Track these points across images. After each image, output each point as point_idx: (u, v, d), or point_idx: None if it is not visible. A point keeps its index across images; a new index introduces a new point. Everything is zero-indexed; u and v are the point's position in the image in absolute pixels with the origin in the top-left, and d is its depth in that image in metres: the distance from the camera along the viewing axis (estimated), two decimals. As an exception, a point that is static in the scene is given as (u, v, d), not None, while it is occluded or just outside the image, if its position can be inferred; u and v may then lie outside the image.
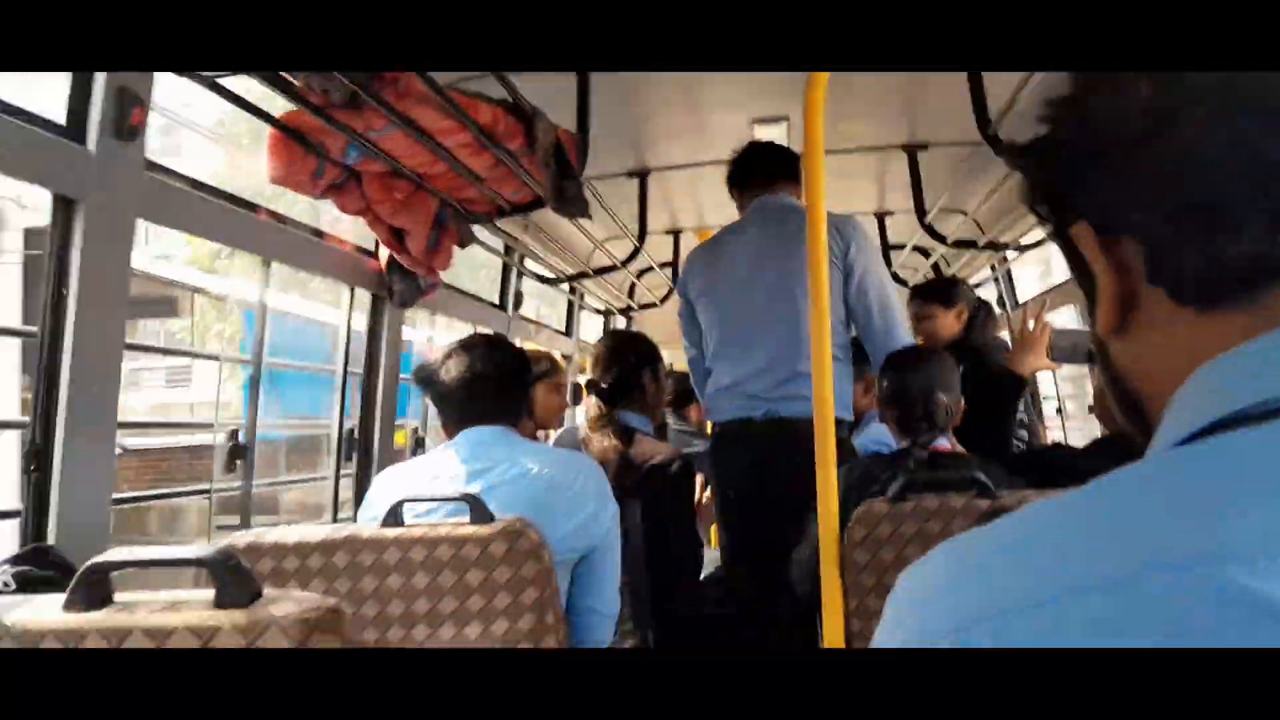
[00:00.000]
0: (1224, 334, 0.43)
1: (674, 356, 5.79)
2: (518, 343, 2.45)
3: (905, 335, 2.56)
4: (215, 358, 2.14)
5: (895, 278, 4.28)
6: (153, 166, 1.66)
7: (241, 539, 1.65)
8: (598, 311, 5.29)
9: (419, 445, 2.93)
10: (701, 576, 2.60)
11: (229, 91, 1.66)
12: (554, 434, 3.41)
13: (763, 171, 2.69)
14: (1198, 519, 0.36)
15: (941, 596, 0.42)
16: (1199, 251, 0.42)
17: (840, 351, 2.50)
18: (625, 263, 3.76)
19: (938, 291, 3.13)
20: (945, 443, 2.03)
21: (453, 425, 1.84)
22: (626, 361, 2.49)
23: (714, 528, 3.69)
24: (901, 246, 4.07)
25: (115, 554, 0.96)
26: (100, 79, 1.49)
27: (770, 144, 2.77)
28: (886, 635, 0.45)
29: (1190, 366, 0.44)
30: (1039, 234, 3.53)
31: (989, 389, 2.55)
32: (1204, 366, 0.43)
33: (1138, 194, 0.44)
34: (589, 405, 2.49)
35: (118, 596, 0.94)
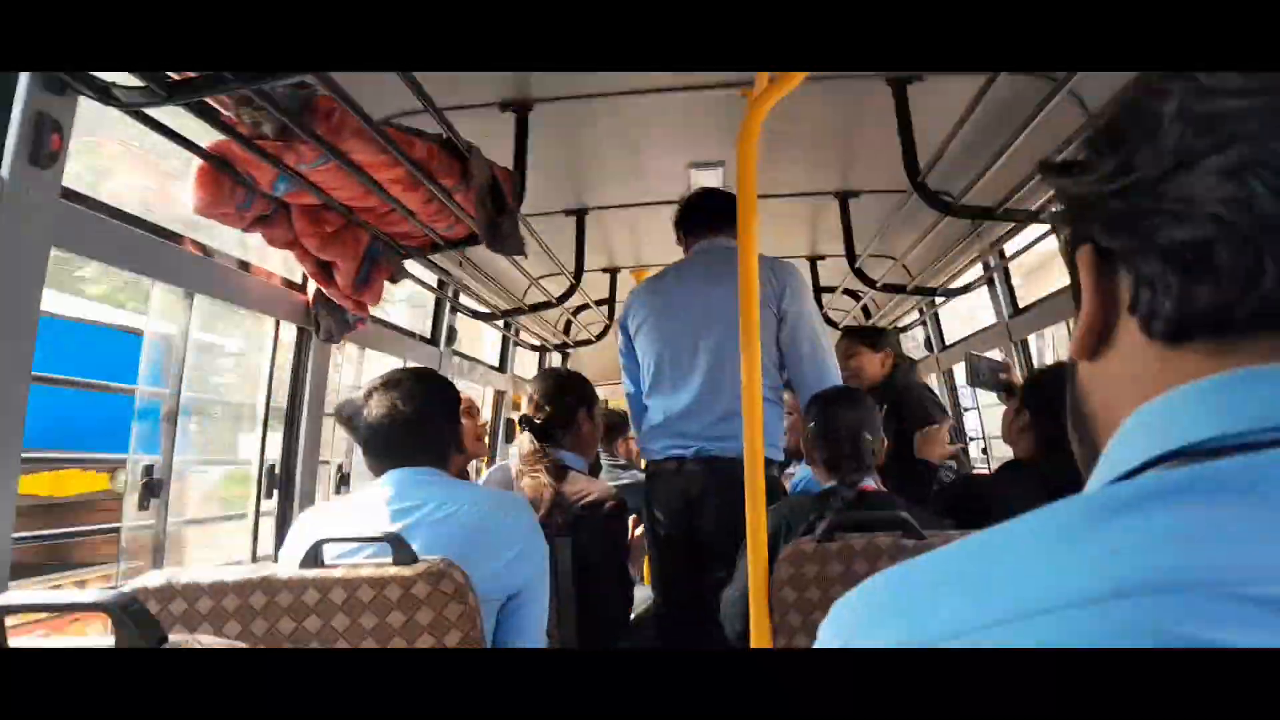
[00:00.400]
0: (1183, 373, 0.45)
1: (609, 393, 5.80)
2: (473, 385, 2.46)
3: (835, 378, 2.61)
4: (133, 390, 2.06)
5: (826, 319, 4.37)
6: (70, 195, 1.61)
7: (153, 579, 1.58)
8: (533, 348, 5.28)
9: (344, 482, 2.87)
10: (633, 616, 2.58)
11: (156, 121, 1.63)
12: (486, 471, 3.38)
13: (707, 216, 2.72)
14: (1128, 556, 0.37)
15: (888, 623, 0.43)
16: (1176, 290, 0.45)
17: (771, 393, 2.52)
18: (561, 299, 3.76)
19: (865, 334, 3.32)
20: (871, 482, 2.06)
21: (377, 466, 1.80)
22: (563, 400, 2.48)
23: (646, 564, 3.68)
24: (832, 289, 4.15)
25: (12, 596, 0.92)
26: (18, 104, 1.45)
27: (716, 190, 2.81)
28: None
29: (1136, 397, 0.47)
30: (965, 280, 3.63)
31: (908, 427, 2.81)
32: (1145, 406, 0.46)
33: (1140, 229, 0.47)
34: (523, 442, 2.46)
35: (13, 642, 0.90)
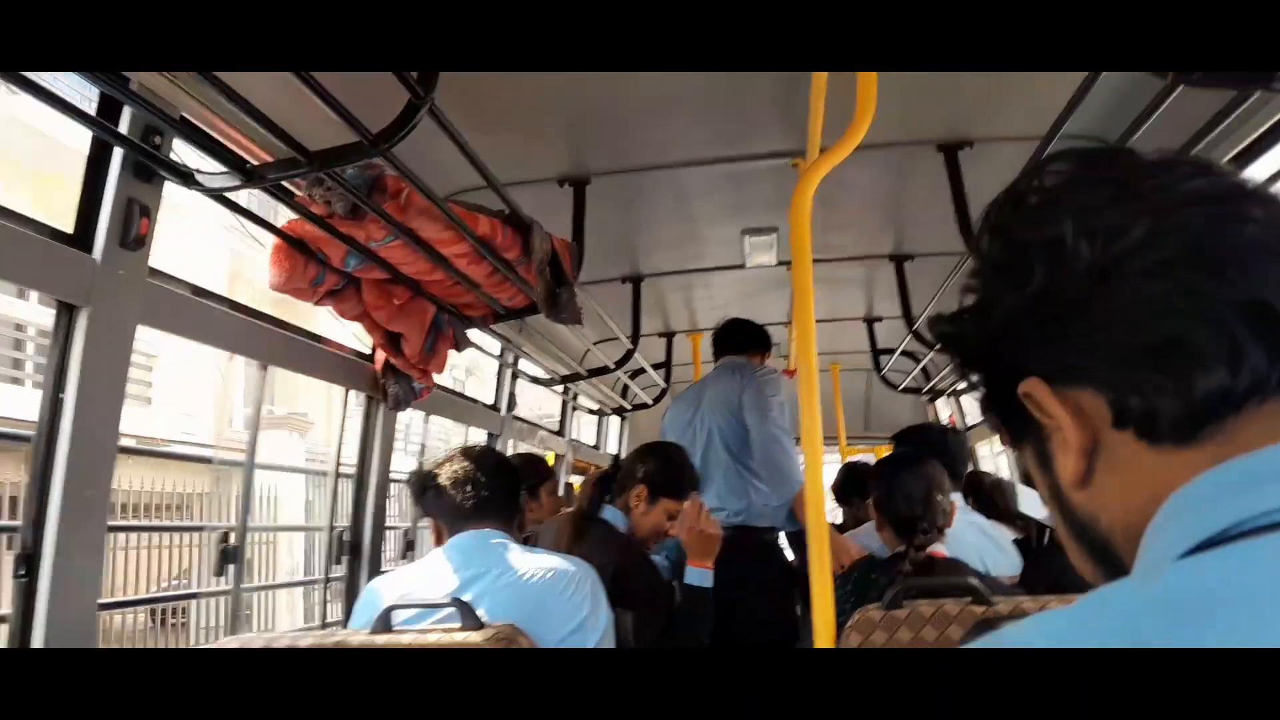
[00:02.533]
0: (1193, 465, 0.44)
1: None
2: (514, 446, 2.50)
3: (791, 481, 2.88)
4: (209, 460, 2.14)
5: (885, 381, 4.33)
6: (155, 274, 1.69)
7: (228, 644, 1.62)
8: (591, 412, 5.31)
9: (409, 548, 2.91)
10: None
11: (234, 203, 1.72)
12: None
13: (731, 341, 3.22)
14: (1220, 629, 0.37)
15: None
16: (1169, 392, 0.44)
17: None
18: (618, 364, 3.79)
19: None
20: (940, 547, 2.03)
21: (447, 528, 1.84)
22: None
23: None
24: (890, 351, 4.12)
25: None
26: (109, 190, 1.54)
27: (743, 321, 3.28)
28: None
29: (1159, 500, 0.45)
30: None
31: None
32: (1185, 489, 0.44)
33: (1092, 347, 0.46)
34: None
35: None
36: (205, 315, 1.85)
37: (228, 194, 1.64)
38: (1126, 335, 0.45)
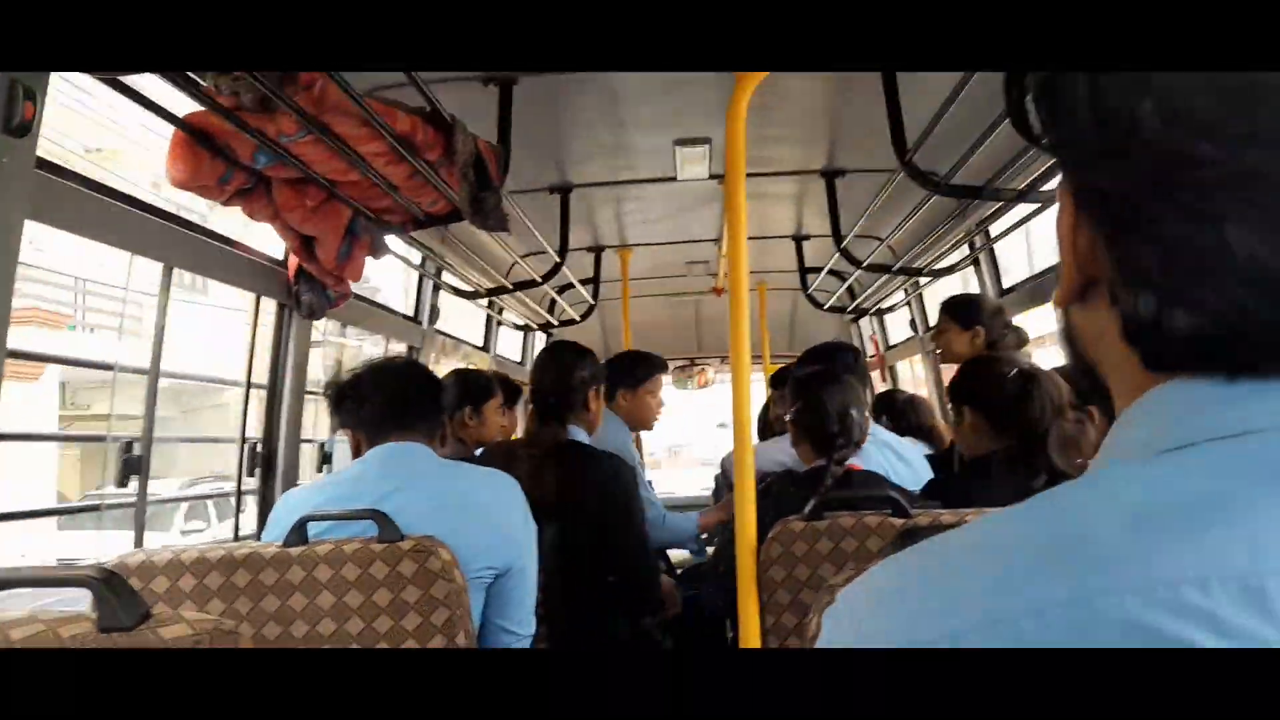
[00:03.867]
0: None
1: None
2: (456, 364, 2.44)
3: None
4: (110, 367, 2.04)
5: (811, 300, 4.37)
6: (45, 165, 1.57)
7: (134, 556, 1.56)
8: (516, 327, 5.24)
9: (326, 461, 2.83)
10: None
11: (132, 90, 1.59)
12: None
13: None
14: (1150, 544, 0.36)
15: (895, 613, 0.42)
16: (1185, 333, 0.40)
17: None
18: (545, 278, 3.73)
19: (955, 308, 2.97)
20: (858, 461, 2.06)
21: (366, 440, 1.79)
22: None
23: None
24: (818, 270, 4.14)
25: (-10, 573, 0.90)
26: None
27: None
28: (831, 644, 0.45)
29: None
30: (950, 260, 3.63)
31: None
32: (1157, 392, 0.42)
33: (1137, 230, 0.40)
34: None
35: (-10, 619, 0.88)
36: (102, 210, 1.72)
37: (123, 78, 1.52)
38: (1187, 256, 0.39)
